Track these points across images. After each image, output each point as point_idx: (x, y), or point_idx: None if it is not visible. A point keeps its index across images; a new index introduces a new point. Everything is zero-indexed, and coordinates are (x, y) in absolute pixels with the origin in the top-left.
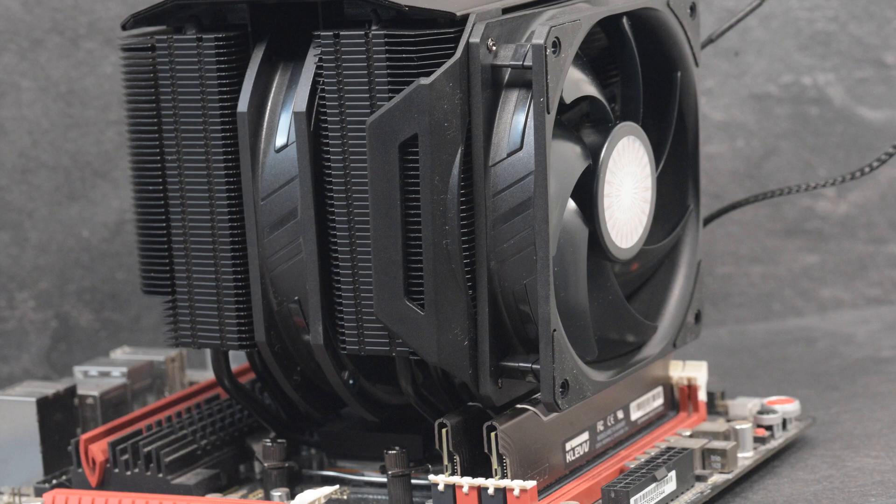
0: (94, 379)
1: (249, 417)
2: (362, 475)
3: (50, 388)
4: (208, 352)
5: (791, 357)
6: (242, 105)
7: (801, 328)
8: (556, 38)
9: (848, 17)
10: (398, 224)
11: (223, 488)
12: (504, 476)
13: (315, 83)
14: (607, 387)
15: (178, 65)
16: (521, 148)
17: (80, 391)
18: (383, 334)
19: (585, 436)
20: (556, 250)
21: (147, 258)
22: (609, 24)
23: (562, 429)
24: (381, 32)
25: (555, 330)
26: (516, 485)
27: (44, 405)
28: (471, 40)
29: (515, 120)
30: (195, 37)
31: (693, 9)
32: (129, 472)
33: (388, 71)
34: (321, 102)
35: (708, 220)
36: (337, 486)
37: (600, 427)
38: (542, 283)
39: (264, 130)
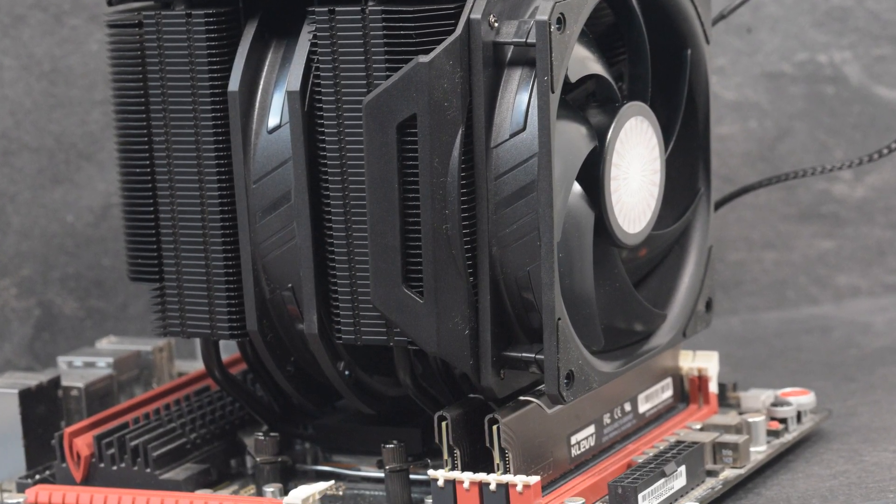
0: (78, 370)
1: (241, 410)
2: (359, 470)
3: (33, 380)
4: (198, 341)
5: (806, 347)
6: (233, 84)
7: (816, 317)
8: (561, 13)
9: None
10: (396, 208)
11: (213, 484)
12: (506, 471)
13: (309, 61)
14: (614, 378)
15: (166, 42)
16: (524, 129)
17: (65, 382)
18: (380, 323)
19: (591, 429)
20: (560, 236)
21: (134, 244)
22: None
23: (567, 422)
24: (379, 8)
25: (559, 319)
26: (519, 480)
27: (26, 397)
28: (472, 16)
29: (518, 100)
30: (184, 13)
31: None
32: (115, 467)
33: (386, 48)
34: (316, 81)
35: (719, 205)
36: (332, 482)
37: (607, 420)
38: (546, 269)
39: (256, 111)
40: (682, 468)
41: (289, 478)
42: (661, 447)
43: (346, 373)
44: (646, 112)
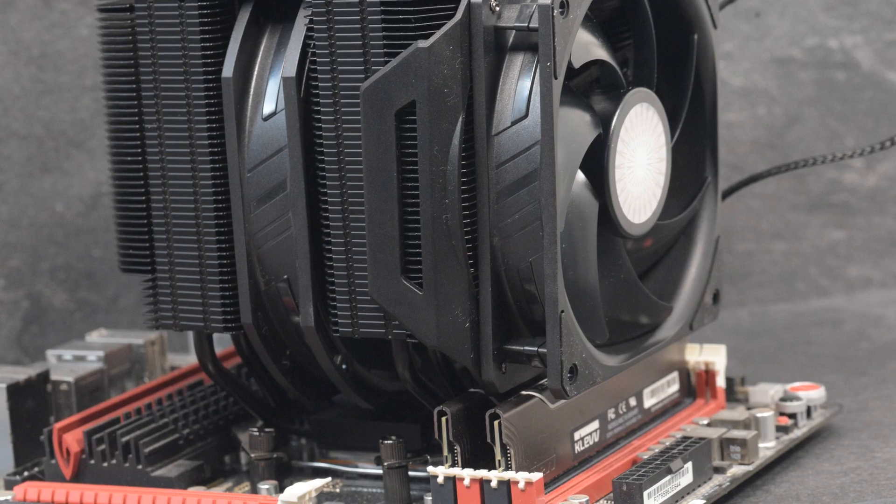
0: (68, 363)
1: (235, 405)
2: (356, 467)
3: (21, 374)
4: (191, 334)
5: (816, 340)
6: (228, 70)
7: (826, 309)
8: None
9: None
10: (394, 197)
11: (207, 481)
12: (508, 468)
13: (305, 46)
14: (619, 372)
15: (158, 26)
16: (526, 116)
17: (54, 376)
18: (378, 316)
19: (595, 424)
20: (563, 226)
21: (125, 234)
22: None
23: (570, 417)
24: None
25: (562, 311)
26: (521, 477)
27: (15, 392)
28: (472, 0)
29: (520, 86)
30: None
31: None
32: (105, 464)
33: (384, 33)
34: (312, 67)
35: (727, 194)
36: (329, 479)
37: (611, 415)
38: (549, 260)
39: (251, 97)
40: (689, 465)
41: (284, 475)
42: (668, 443)
43: (344, 367)
44: (651, 99)
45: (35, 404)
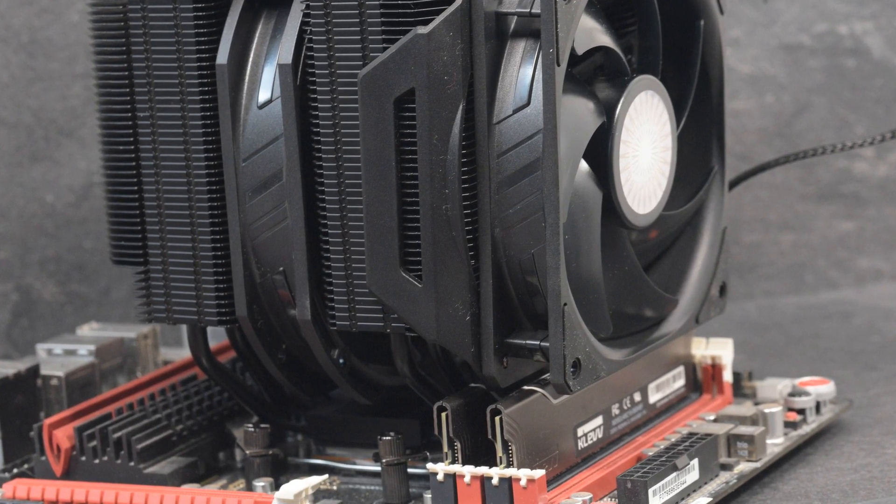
0: (58, 358)
1: (230, 400)
2: (354, 464)
3: (10, 368)
4: (184, 328)
5: (825, 334)
6: (222, 57)
7: (836, 302)
8: None
9: None
10: (393, 188)
11: (201, 478)
12: (509, 465)
13: (302, 32)
14: (623, 366)
15: (151, 12)
16: (528, 104)
17: (44, 371)
18: (377, 309)
19: (599, 420)
20: (566, 216)
21: (117, 225)
22: None
23: (573, 413)
24: None
25: (565, 304)
26: (523, 474)
27: (4, 387)
28: None
29: (522, 73)
30: None
31: None
32: (97, 461)
33: (383, 19)
34: (308, 54)
35: (734, 184)
36: (326, 476)
37: (615, 411)
38: (552, 252)
39: (246, 84)
40: (695, 461)
41: (280, 472)
42: (673, 439)
43: (341, 361)
44: (657, 86)
45: (24, 400)
